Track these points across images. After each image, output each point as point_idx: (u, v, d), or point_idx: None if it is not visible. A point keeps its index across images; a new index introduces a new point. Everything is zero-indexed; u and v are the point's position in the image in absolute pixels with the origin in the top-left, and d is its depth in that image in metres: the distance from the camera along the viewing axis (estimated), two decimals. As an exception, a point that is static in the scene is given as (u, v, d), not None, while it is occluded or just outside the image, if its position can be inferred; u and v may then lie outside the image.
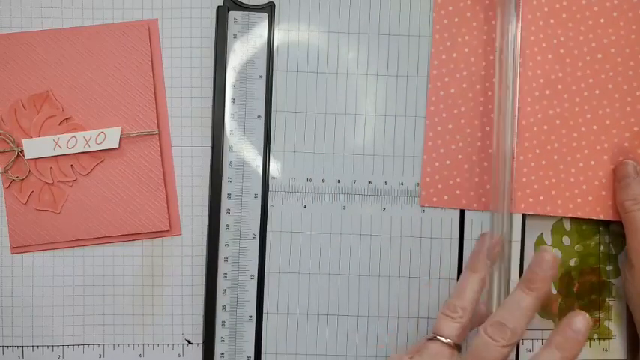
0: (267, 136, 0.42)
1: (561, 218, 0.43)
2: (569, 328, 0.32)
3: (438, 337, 0.35)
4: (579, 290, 0.42)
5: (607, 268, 0.44)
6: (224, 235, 0.42)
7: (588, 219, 0.42)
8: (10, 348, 0.43)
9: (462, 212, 0.43)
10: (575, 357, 0.33)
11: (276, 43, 0.43)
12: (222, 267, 0.42)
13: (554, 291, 0.43)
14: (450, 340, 0.35)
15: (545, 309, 0.43)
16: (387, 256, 0.43)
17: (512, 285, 0.38)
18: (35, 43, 0.42)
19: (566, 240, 0.43)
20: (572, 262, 0.43)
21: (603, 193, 0.42)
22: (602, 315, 0.44)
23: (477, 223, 0.43)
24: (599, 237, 0.43)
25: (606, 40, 0.42)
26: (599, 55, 0.42)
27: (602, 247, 0.43)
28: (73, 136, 0.42)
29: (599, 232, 0.43)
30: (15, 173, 0.42)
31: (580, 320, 0.32)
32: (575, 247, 0.43)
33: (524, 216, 0.43)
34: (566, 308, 0.43)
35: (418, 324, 0.43)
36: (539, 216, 0.43)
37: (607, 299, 0.44)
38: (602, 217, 0.42)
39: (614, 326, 0.44)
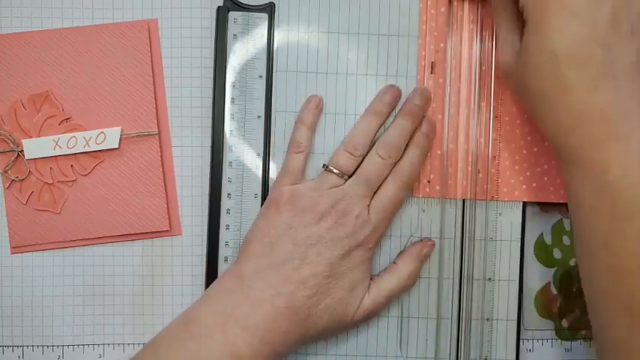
0: (267, 136, 0.42)
1: (561, 218, 0.43)
2: (411, 102, 0.41)
3: (335, 169, 0.40)
4: (579, 290, 0.42)
5: (607, 268, 0.44)
6: (224, 235, 0.42)
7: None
8: (10, 348, 0.43)
9: (463, 212, 0.43)
10: (415, 126, 0.41)
11: (276, 44, 0.43)
12: (222, 267, 0.42)
13: (554, 291, 0.44)
14: (344, 174, 0.40)
15: (545, 309, 0.43)
16: (387, 256, 0.43)
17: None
18: (35, 43, 0.42)
19: (566, 240, 0.43)
20: (572, 262, 0.43)
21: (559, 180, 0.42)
22: (602, 315, 0.44)
23: (478, 223, 0.43)
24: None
25: None
26: None
27: (602, 247, 0.43)
28: (73, 136, 0.42)
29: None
30: (15, 173, 0.42)
31: (422, 96, 0.41)
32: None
33: (524, 216, 0.43)
34: (567, 308, 0.43)
35: (418, 324, 0.43)
36: (539, 216, 0.43)
37: (607, 299, 0.44)
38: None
39: (614, 326, 0.44)
